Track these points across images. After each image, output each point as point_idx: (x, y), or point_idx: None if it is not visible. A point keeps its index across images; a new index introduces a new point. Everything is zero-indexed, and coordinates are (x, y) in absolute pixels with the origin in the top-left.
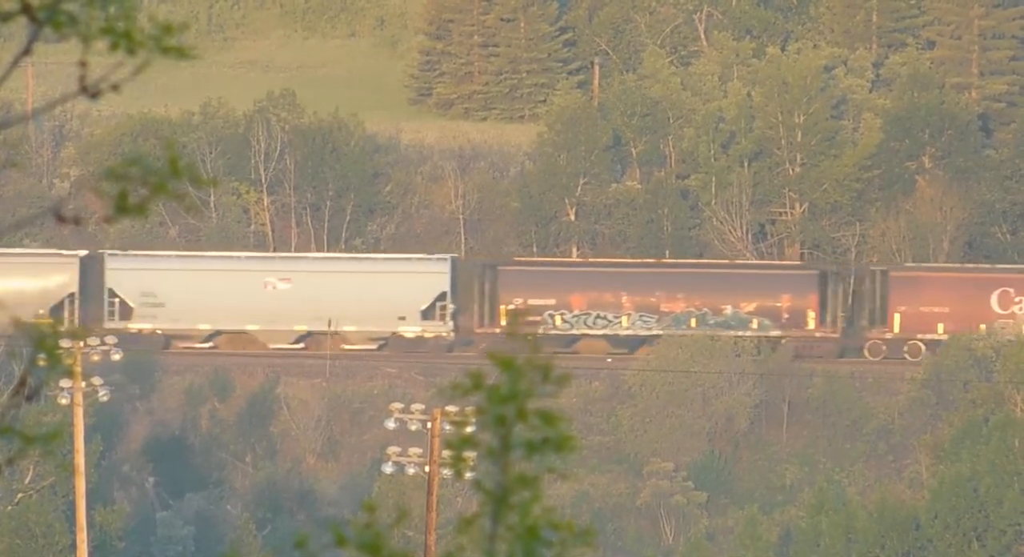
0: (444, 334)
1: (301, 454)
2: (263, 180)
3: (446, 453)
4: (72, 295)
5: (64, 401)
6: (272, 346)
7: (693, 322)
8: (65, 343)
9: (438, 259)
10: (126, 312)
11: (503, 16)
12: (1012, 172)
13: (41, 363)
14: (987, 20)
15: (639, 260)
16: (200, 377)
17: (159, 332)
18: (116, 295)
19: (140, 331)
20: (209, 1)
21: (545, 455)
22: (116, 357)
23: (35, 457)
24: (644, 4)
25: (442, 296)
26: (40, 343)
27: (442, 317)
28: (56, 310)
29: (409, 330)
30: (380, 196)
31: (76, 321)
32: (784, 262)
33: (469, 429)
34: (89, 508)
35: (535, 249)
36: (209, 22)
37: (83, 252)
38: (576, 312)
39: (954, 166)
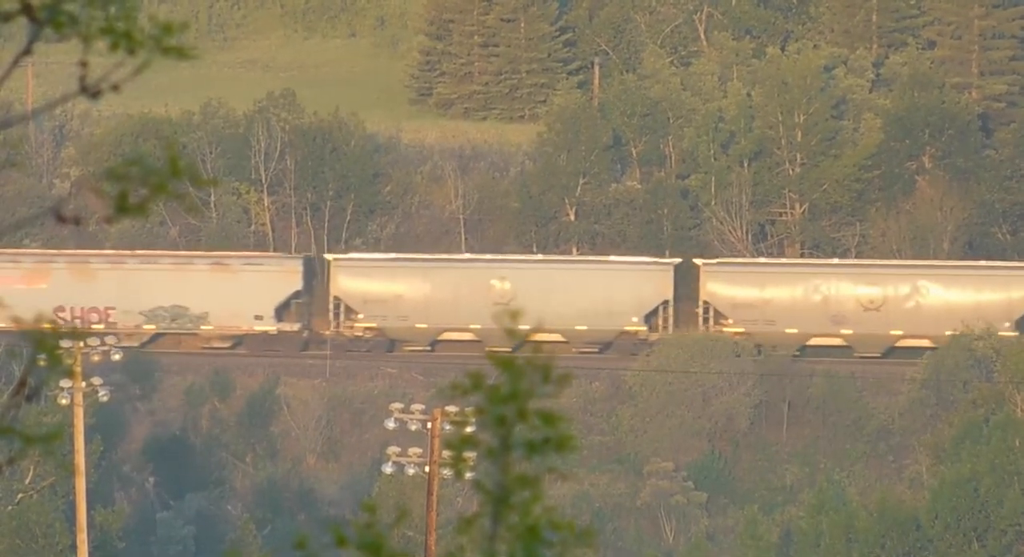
0: None
1: (301, 454)
2: (263, 180)
3: (446, 453)
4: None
5: (64, 401)
6: None
7: None
8: (65, 343)
9: None
10: None
11: (503, 16)
12: (1012, 172)
13: (41, 363)
14: (987, 20)
15: None
16: (200, 377)
17: None
18: None
19: None
20: (209, 1)
21: (545, 455)
22: (116, 357)
23: (35, 457)
24: (644, 4)
25: None
26: (40, 343)
27: None
28: None
29: None
30: (380, 196)
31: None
32: None
33: (469, 429)
34: (89, 508)
35: (535, 249)
36: (209, 22)
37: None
38: None
39: (954, 166)
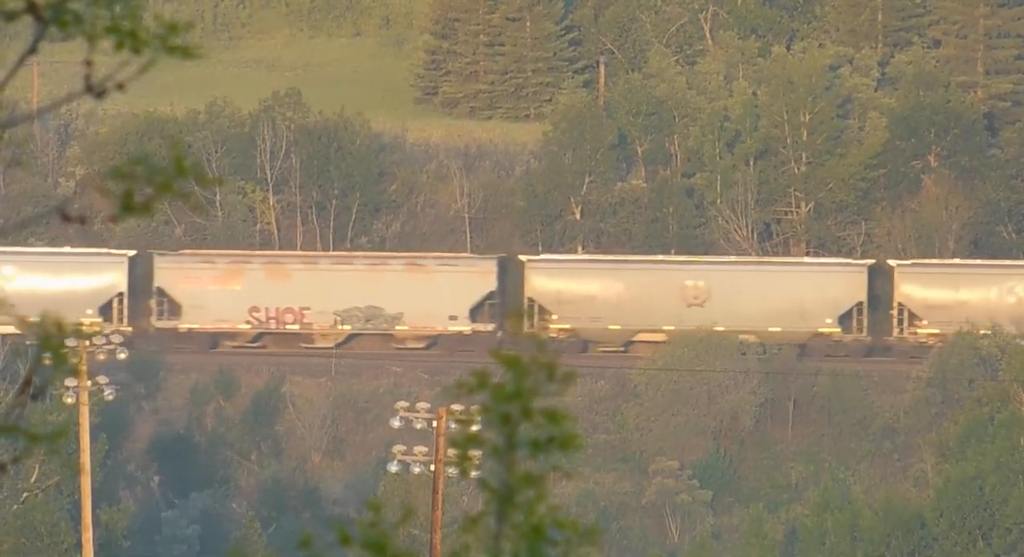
0: None
1: (306, 453)
2: (269, 179)
3: (451, 452)
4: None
5: (69, 400)
6: None
7: None
8: (70, 342)
9: None
10: None
11: (509, 15)
12: (1017, 171)
13: (46, 362)
14: (992, 19)
15: None
16: (205, 376)
17: None
18: None
19: None
20: (215, 0)
21: (550, 454)
22: (122, 356)
23: (40, 456)
24: (650, 3)
25: None
26: (45, 342)
27: None
28: None
29: None
30: (385, 195)
31: None
32: None
33: (474, 428)
34: (94, 507)
35: (540, 248)
36: (214, 21)
37: None
38: None
39: (959, 165)
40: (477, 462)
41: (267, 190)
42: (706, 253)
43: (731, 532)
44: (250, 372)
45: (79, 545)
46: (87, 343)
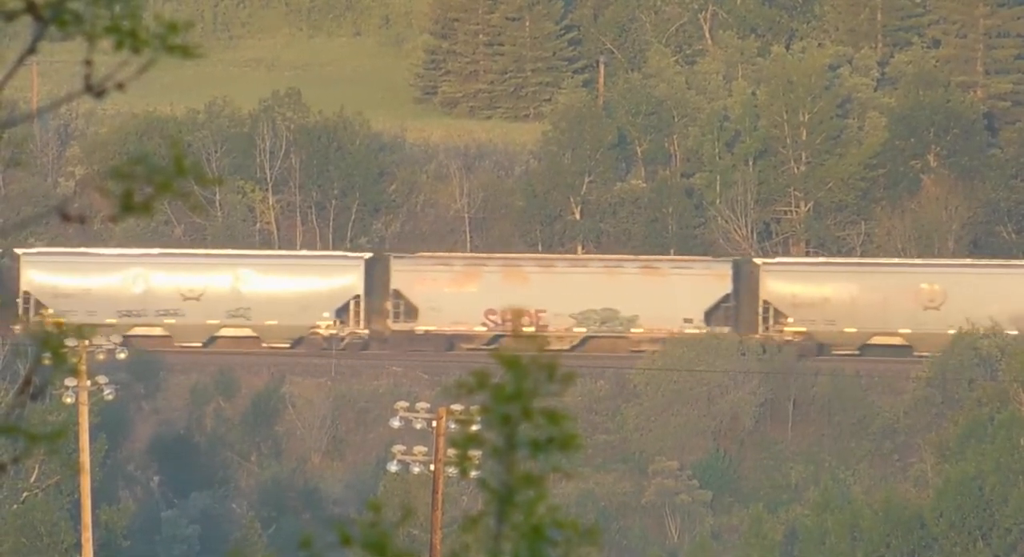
0: None
1: (306, 453)
2: (268, 179)
3: (451, 452)
4: None
5: (69, 400)
6: None
7: None
8: (70, 342)
9: None
10: None
11: (508, 15)
12: (1017, 171)
13: (46, 362)
14: (992, 19)
15: None
16: (205, 376)
17: None
18: None
19: None
20: (214, 0)
21: (550, 454)
22: (121, 356)
23: (40, 456)
24: (649, 3)
25: None
26: (45, 342)
27: None
28: None
29: None
30: (385, 195)
31: None
32: None
33: (474, 428)
34: (94, 507)
35: (540, 248)
36: (214, 20)
37: None
38: None
39: (959, 165)
40: (477, 462)
41: (267, 190)
42: (705, 253)
43: (731, 532)
44: (250, 372)
45: (79, 545)
46: (87, 343)
